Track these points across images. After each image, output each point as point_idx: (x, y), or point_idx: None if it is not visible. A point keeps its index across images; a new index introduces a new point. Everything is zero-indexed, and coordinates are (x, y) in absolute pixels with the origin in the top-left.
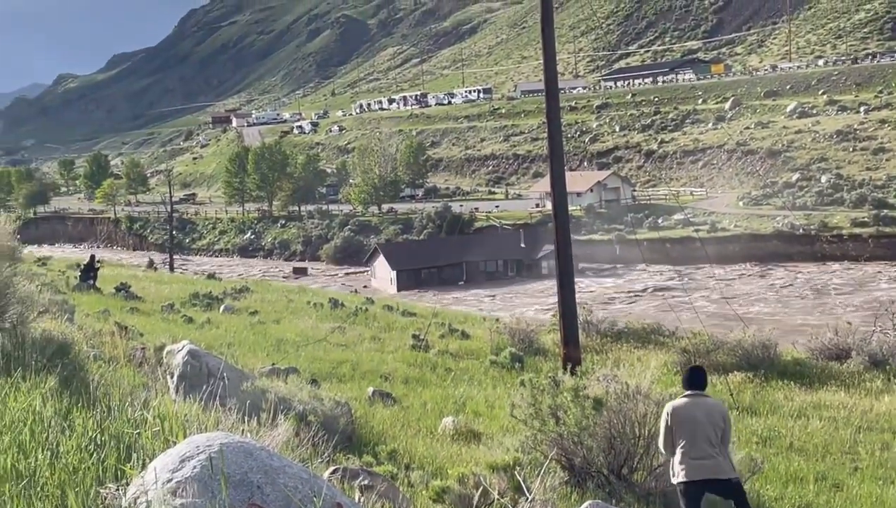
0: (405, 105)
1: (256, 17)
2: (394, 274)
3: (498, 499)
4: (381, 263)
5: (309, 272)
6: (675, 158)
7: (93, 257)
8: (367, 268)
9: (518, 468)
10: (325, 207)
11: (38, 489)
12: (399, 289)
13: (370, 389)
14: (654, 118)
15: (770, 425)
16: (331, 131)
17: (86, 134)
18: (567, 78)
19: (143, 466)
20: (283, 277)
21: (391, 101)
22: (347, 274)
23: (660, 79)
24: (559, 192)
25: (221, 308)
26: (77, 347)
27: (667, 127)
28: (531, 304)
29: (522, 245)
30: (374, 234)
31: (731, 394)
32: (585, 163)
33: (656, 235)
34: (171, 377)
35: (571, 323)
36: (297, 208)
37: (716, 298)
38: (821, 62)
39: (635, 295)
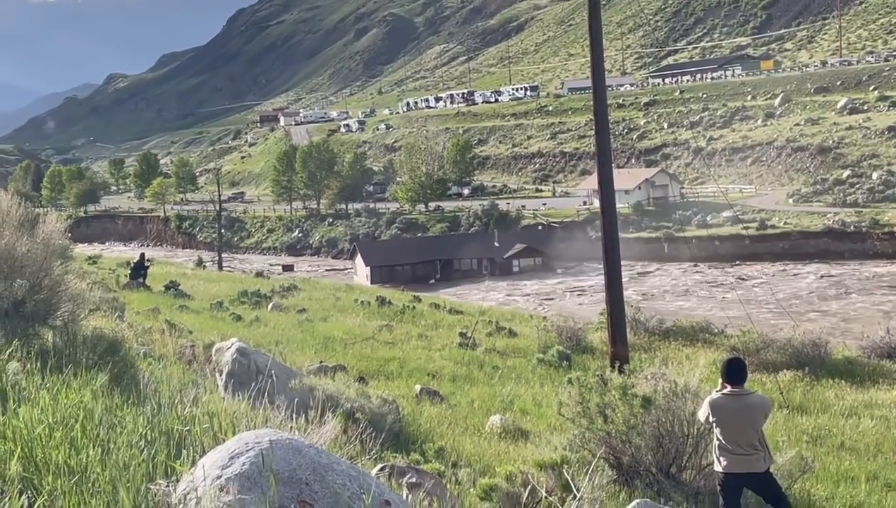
0: (452, 103)
1: (304, 16)
2: (368, 269)
3: (546, 497)
4: (360, 259)
5: (295, 268)
6: (724, 155)
7: (143, 256)
8: (351, 264)
9: (566, 466)
10: (372, 205)
11: (90, 484)
12: (372, 284)
13: (417, 387)
14: (702, 115)
15: (820, 424)
16: (378, 129)
17: (135, 133)
18: (615, 75)
19: (193, 462)
20: (278, 274)
21: (438, 99)
22: (329, 269)
23: (708, 75)
24: (607, 190)
25: (269, 306)
26: (127, 345)
27: (715, 124)
28: (484, 298)
29: (496, 244)
30: (420, 232)
31: (781, 393)
32: (633, 161)
33: (705, 233)
34: (220, 374)
35: (619, 321)
36: (345, 206)
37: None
38: (871, 58)
39: (682, 293)
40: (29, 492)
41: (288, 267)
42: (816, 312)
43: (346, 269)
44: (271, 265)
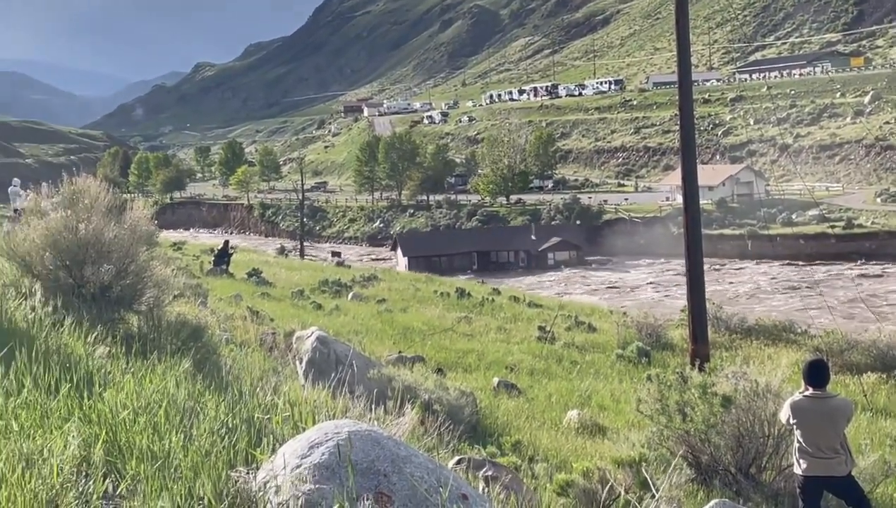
0: (535, 96)
1: (390, 7)
2: (405, 260)
3: (623, 495)
4: (399, 251)
5: (342, 255)
6: (811, 153)
7: (227, 243)
8: (392, 254)
9: (644, 464)
10: (453, 197)
11: (172, 470)
12: None
13: (495, 380)
14: (789, 111)
15: None
16: (460, 121)
17: (222, 121)
18: (701, 70)
19: (273, 451)
20: (322, 259)
21: (521, 92)
22: (374, 259)
23: (796, 71)
24: (690, 186)
25: (349, 295)
26: (210, 331)
27: (803, 120)
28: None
29: (533, 237)
30: (501, 224)
31: (865, 395)
32: (718, 157)
33: (790, 231)
34: (300, 362)
35: (700, 318)
36: (426, 198)
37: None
38: None
39: (766, 291)
40: (112, 476)
41: (336, 254)
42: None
43: (389, 259)
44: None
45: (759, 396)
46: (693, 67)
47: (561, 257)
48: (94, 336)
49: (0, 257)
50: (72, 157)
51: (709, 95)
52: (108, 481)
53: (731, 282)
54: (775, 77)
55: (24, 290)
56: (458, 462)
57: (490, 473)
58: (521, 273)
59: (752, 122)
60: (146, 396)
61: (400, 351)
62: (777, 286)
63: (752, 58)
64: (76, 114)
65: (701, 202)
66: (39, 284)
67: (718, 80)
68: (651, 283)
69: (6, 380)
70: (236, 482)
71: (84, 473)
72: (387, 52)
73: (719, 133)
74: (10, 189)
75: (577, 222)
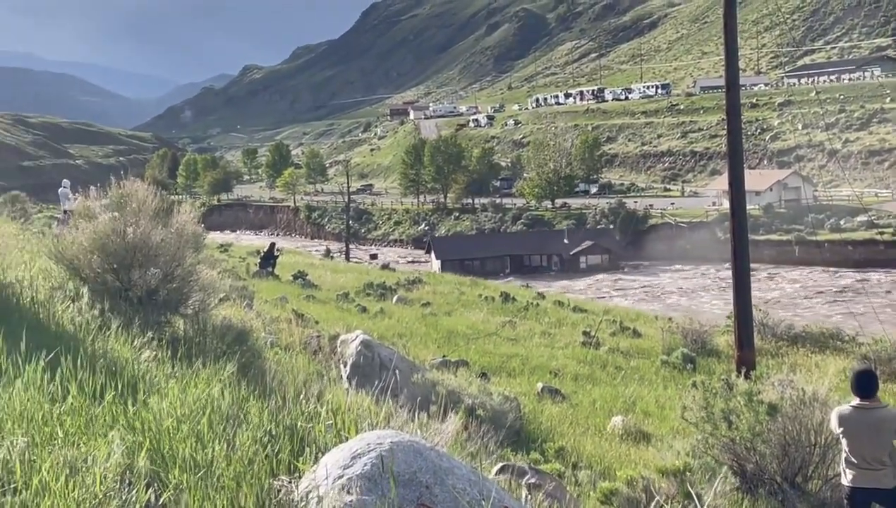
0: (581, 100)
1: (437, 11)
2: (439, 263)
3: (667, 506)
4: (433, 253)
5: (379, 257)
6: (860, 158)
7: (272, 245)
8: (428, 257)
9: (688, 473)
10: (498, 200)
11: (215, 479)
12: None
13: (539, 385)
14: (838, 116)
15: None
16: (506, 125)
17: (269, 123)
18: (749, 74)
19: (316, 460)
20: (367, 262)
21: (567, 96)
22: (410, 262)
23: (845, 76)
24: (738, 191)
25: (394, 298)
26: (255, 335)
27: (852, 126)
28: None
29: (566, 241)
30: (546, 228)
31: None
32: (765, 162)
33: (838, 236)
34: (345, 366)
35: (746, 325)
36: (471, 201)
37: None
38: None
39: (813, 297)
40: (156, 485)
41: (374, 256)
42: None
43: (426, 261)
44: (371, 255)
45: (806, 405)
46: (741, 71)
47: (593, 261)
48: (140, 340)
49: (49, 259)
50: (121, 159)
51: (756, 100)
52: (150, 491)
53: (777, 288)
54: (824, 81)
55: (71, 293)
56: (502, 470)
57: (533, 481)
58: (554, 277)
59: (800, 127)
60: (190, 404)
61: (444, 355)
62: (824, 292)
63: (800, 62)
64: (126, 115)
65: (748, 207)
66: (87, 287)
67: (766, 85)
68: (680, 288)
69: (52, 385)
70: (279, 492)
71: (127, 482)
72: (433, 55)
73: (767, 138)
74: (60, 190)
75: (611, 226)
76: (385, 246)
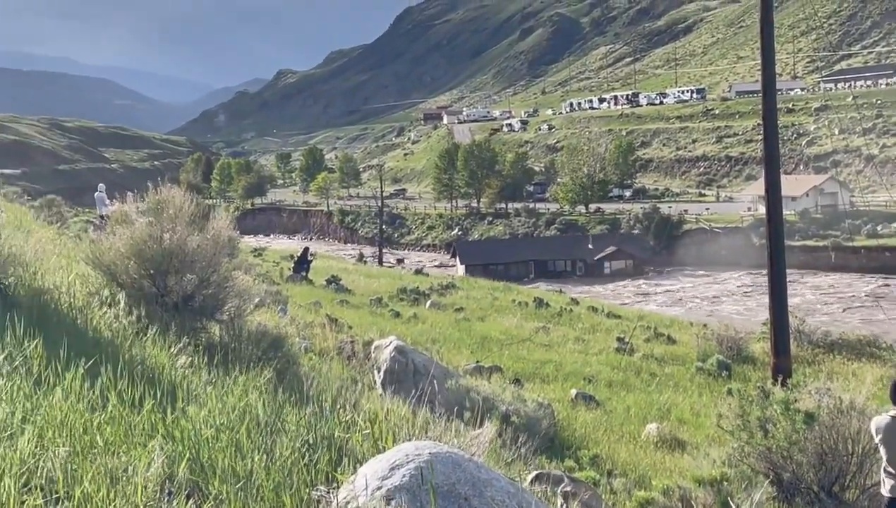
0: (616, 104)
1: (470, 16)
2: (463, 267)
3: None
4: (458, 258)
5: (405, 261)
6: None
7: (306, 250)
8: (454, 261)
9: (725, 482)
10: (532, 205)
11: (254, 490)
12: None
13: (573, 391)
14: (875, 121)
15: None
16: (540, 130)
17: (302, 128)
18: (785, 79)
19: (354, 471)
20: (389, 265)
21: (601, 101)
22: (437, 266)
23: (882, 81)
24: (774, 196)
25: (427, 303)
26: (290, 341)
27: (889, 131)
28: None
29: (590, 246)
30: (580, 233)
31: None
32: (801, 167)
33: (874, 243)
34: (378, 372)
35: (782, 332)
36: (505, 206)
37: None
38: None
39: (849, 304)
40: (196, 496)
41: (400, 261)
42: None
43: (452, 265)
44: (401, 260)
45: (843, 413)
46: (777, 76)
47: (617, 266)
48: (176, 346)
49: (86, 265)
50: (155, 163)
51: (793, 105)
52: (191, 501)
53: (813, 294)
54: (861, 86)
55: (107, 299)
56: (537, 478)
57: (569, 489)
58: (577, 281)
59: (836, 132)
60: (228, 413)
61: (477, 361)
62: (861, 299)
63: (837, 67)
64: (160, 120)
65: (784, 212)
66: (123, 293)
67: (803, 89)
68: (703, 294)
69: (91, 393)
70: (318, 503)
71: (167, 491)
72: (467, 59)
73: (803, 143)
74: (95, 194)
75: (636, 232)
76: (418, 250)
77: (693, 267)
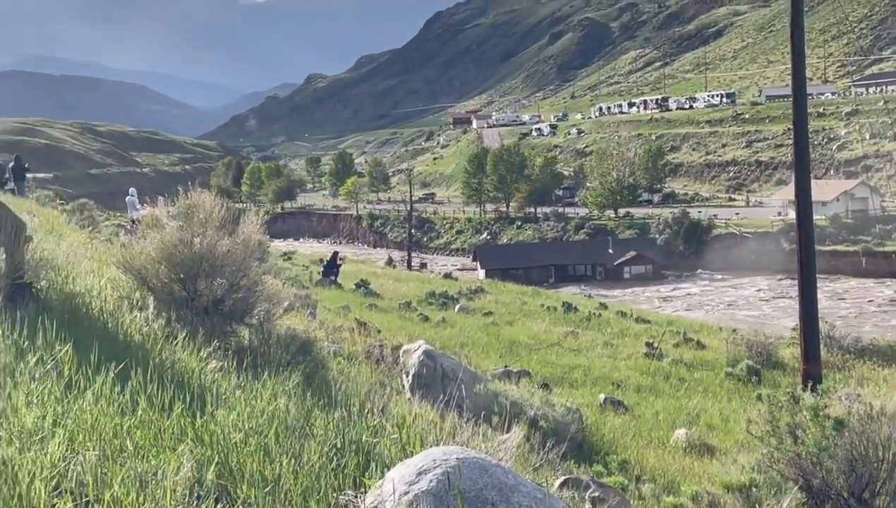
0: (645, 109)
1: (500, 20)
2: (483, 271)
3: None
4: (479, 262)
5: (429, 266)
6: None
7: (335, 254)
8: (476, 265)
9: (754, 488)
10: (560, 210)
11: (282, 494)
12: None
13: (602, 396)
14: None
15: None
16: (569, 134)
17: (332, 132)
18: (815, 83)
19: (381, 475)
20: (417, 269)
21: (631, 105)
22: (459, 270)
23: None
24: (804, 201)
25: (456, 307)
26: (318, 345)
27: None
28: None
29: (610, 251)
30: (610, 237)
31: None
32: (832, 172)
33: None
34: (407, 376)
35: (812, 338)
36: (534, 210)
37: None
38: None
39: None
40: (224, 500)
41: (423, 265)
42: None
43: (474, 270)
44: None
45: (874, 420)
46: (807, 80)
47: (637, 271)
48: (206, 350)
49: (117, 269)
50: (186, 167)
51: (823, 109)
52: (220, 505)
53: (844, 300)
54: (892, 91)
55: (138, 303)
56: (565, 483)
57: (597, 494)
58: (597, 285)
59: (867, 137)
60: (257, 417)
61: (506, 366)
62: (879, 304)
63: (868, 71)
64: (191, 124)
65: (814, 217)
66: (153, 297)
67: (833, 94)
68: (721, 299)
69: (121, 397)
70: (345, 507)
71: (196, 495)
72: (496, 64)
73: (834, 147)
74: (127, 198)
75: (664, 236)
76: (446, 254)
77: (720, 271)
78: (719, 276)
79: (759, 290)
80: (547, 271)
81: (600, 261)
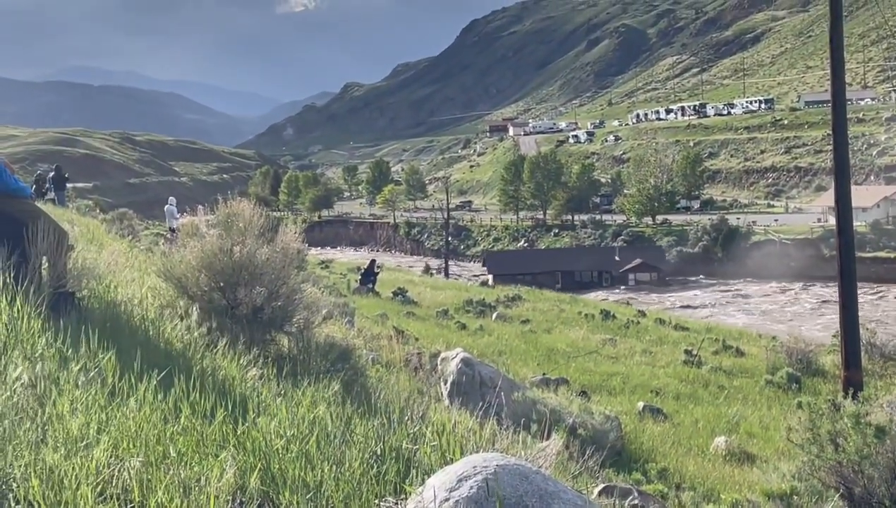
0: (683, 115)
1: (536, 27)
2: (490, 277)
3: None
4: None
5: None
6: None
7: (373, 262)
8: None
9: (794, 496)
10: (598, 217)
11: (324, 501)
12: None
13: (640, 404)
14: None
15: None
16: (606, 141)
17: (369, 140)
18: (855, 88)
19: (422, 482)
20: (455, 277)
21: (668, 111)
22: (474, 275)
23: None
24: (844, 207)
25: (494, 315)
26: (357, 352)
27: None
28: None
29: (617, 258)
30: (647, 244)
31: None
32: (872, 178)
33: None
34: (445, 383)
35: (853, 345)
36: (571, 217)
37: None
38: None
39: None
40: (266, 506)
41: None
42: None
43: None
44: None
45: None
46: (847, 86)
47: (642, 278)
48: (246, 358)
49: (157, 277)
50: (224, 176)
51: (863, 114)
52: None
53: (886, 306)
54: None
55: (180, 311)
56: (604, 490)
57: (637, 502)
58: (602, 292)
59: None
60: (297, 423)
61: (544, 373)
62: None
63: None
64: (228, 133)
65: (855, 224)
66: (195, 305)
67: (873, 99)
68: (714, 305)
69: (164, 404)
70: None
71: (238, 501)
72: (533, 71)
73: (874, 153)
74: (166, 207)
75: (669, 244)
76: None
77: (757, 277)
78: (727, 283)
79: (768, 296)
80: (553, 277)
81: (606, 268)
